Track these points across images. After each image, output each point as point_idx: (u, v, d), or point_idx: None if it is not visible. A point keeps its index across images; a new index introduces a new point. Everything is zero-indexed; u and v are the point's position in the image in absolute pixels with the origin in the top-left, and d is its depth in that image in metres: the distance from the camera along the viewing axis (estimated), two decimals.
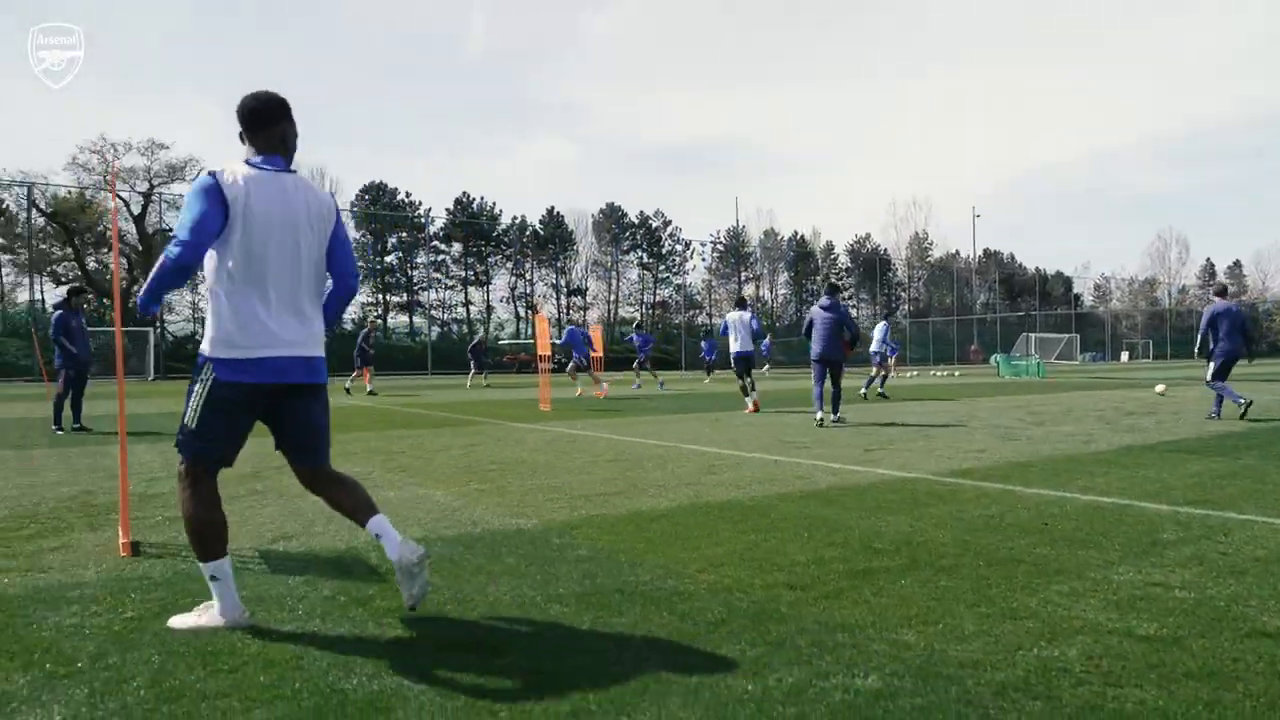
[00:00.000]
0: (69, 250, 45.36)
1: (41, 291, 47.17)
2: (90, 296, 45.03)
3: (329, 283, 3.23)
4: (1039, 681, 2.38)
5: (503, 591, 3.31)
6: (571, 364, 19.94)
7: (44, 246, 45.66)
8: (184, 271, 2.81)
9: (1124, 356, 70.13)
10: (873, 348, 18.44)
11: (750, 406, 13.39)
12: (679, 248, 70.19)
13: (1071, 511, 4.83)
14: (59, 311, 10.66)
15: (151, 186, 44.87)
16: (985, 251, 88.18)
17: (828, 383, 11.33)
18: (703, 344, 32.82)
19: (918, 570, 3.59)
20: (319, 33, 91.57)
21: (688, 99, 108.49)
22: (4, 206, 44.62)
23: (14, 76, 72.76)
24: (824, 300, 11.61)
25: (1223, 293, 12.02)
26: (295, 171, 3.11)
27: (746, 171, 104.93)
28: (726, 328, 13.98)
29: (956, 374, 36.66)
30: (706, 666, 2.51)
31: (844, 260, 79.43)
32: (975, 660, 2.54)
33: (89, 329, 11.28)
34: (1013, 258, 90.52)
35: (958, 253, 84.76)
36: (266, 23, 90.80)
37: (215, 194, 2.83)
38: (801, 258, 76.00)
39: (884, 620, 2.93)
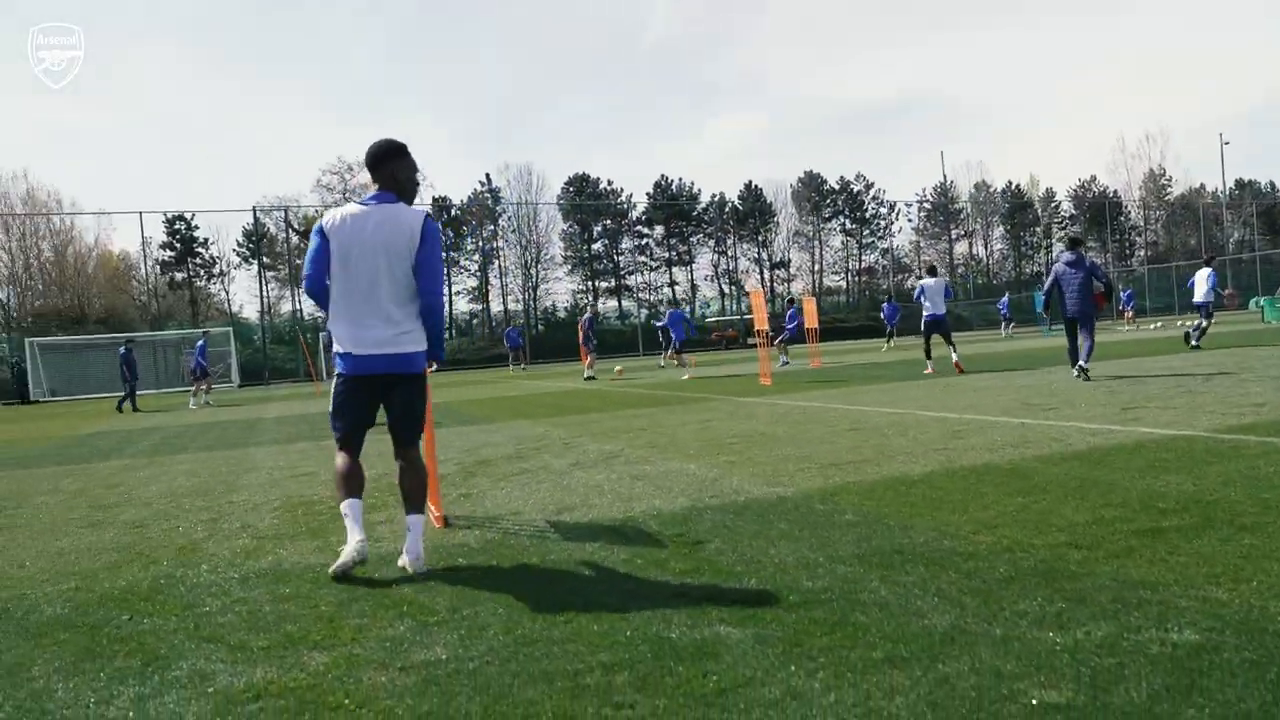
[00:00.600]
0: None
1: (300, 302, 52.78)
2: None
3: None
4: None
5: (784, 553, 3.51)
6: (670, 348, 21.03)
7: (299, 262, 51.07)
8: (313, 295, 3.81)
9: None
10: (1198, 298, 17.16)
11: (935, 368, 14.28)
12: (883, 210, 67.82)
13: None
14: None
15: None
16: (1237, 182, 78.60)
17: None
18: (884, 308, 31.55)
19: (1214, 529, 3.43)
20: (515, 36, 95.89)
21: (881, 55, 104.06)
22: (265, 230, 50.34)
23: (254, 111, 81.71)
24: (1067, 256, 11.01)
25: None
26: (397, 202, 3.71)
27: (951, 124, 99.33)
28: (922, 293, 14.58)
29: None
30: (1008, 620, 2.58)
31: (1067, 207, 73.52)
32: None
33: None
34: (1273, 187, 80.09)
35: (1202, 187, 76.18)
36: (461, 38, 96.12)
37: (319, 233, 3.69)
38: (1018, 209, 71.13)
39: (1187, 578, 2.86)
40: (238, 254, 54.79)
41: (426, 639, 2.78)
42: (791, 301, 25.77)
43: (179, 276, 54.37)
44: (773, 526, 4.00)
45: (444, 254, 3.89)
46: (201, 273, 55.43)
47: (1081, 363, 10.71)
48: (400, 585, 3.45)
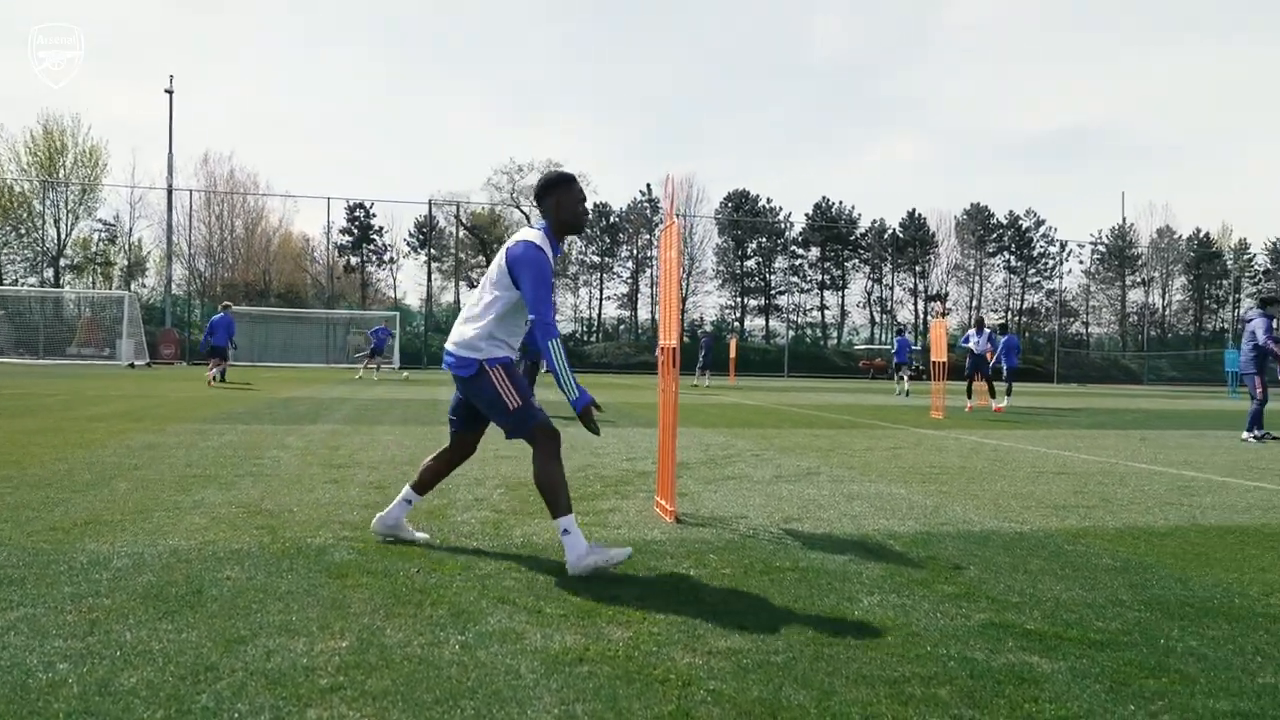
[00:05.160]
0: (481, 258, 52.72)
1: (459, 293, 55.14)
2: None
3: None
4: None
5: (1056, 590, 3.39)
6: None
7: (463, 255, 53.44)
8: None
9: None
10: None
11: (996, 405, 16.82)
12: (1053, 250, 64.60)
13: None
14: None
15: None
16: None
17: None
18: (896, 341, 28.05)
19: None
20: (676, 46, 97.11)
21: (1062, 82, 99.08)
22: (436, 223, 52.93)
23: (440, 103, 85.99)
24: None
25: None
26: (536, 230, 3.78)
27: (1135, 162, 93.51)
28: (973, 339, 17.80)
29: None
30: None
31: (1262, 260, 67.88)
32: None
33: None
34: None
35: None
36: (625, 38, 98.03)
37: None
38: (1205, 259, 66.23)
39: None
40: (408, 243, 57.89)
41: (720, 627, 2.84)
42: (900, 331, 28.17)
43: (353, 260, 57.83)
44: (1028, 562, 3.88)
45: (556, 270, 3.81)
46: (373, 258, 58.80)
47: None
48: (663, 570, 3.55)
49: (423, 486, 4.09)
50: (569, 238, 4.04)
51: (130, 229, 52.86)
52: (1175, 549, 4.23)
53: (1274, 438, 10.83)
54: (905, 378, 22.87)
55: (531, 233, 3.77)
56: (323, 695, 2.22)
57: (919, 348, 40.79)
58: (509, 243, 3.79)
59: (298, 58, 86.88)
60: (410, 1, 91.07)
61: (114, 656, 2.45)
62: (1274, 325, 10.96)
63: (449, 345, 3.86)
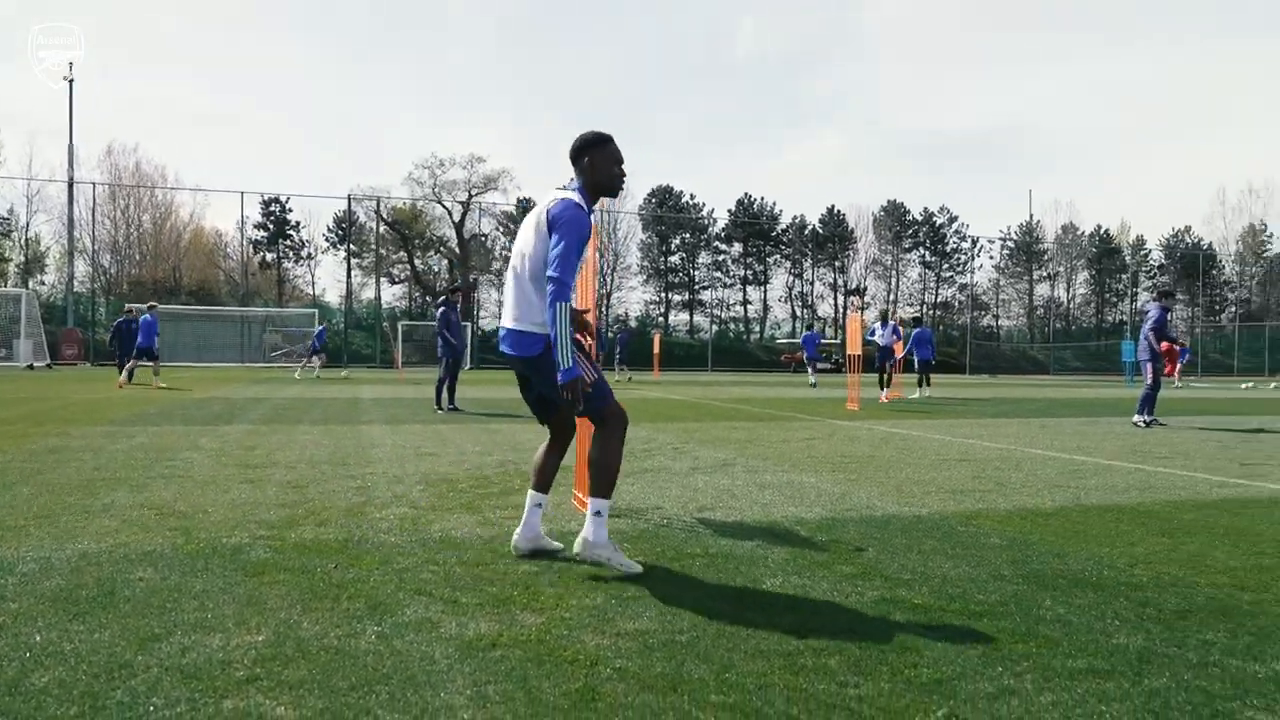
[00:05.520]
0: (403, 254, 51.90)
1: (379, 290, 54.16)
2: (419, 294, 51.15)
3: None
4: None
5: (945, 568, 3.64)
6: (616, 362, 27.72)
7: (384, 251, 52.47)
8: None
9: None
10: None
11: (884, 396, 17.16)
12: (965, 245, 66.83)
13: None
14: (443, 308, 12.43)
15: (470, 196, 50.04)
16: None
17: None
18: (805, 336, 30.54)
19: None
20: (603, 44, 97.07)
21: (973, 84, 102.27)
22: (356, 218, 51.86)
23: (358, 97, 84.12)
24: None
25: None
26: (571, 191, 3.65)
27: (1042, 162, 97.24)
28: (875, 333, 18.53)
29: None
30: (1197, 647, 2.68)
31: (1157, 256, 71.45)
32: None
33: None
34: None
35: None
36: (555, 38, 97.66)
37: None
38: (1105, 254, 69.38)
39: None
40: (327, 239, 56.57)
41: (629, 610, 2.98)
42: (810, 327, 31.48)
43: (269, 256, 56.26)
44: (923, 542, 4.12)
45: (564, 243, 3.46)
46: (291, 254, 57.30)
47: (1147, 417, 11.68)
48: (577, 562, 3.67)
49: (545, 485, 3.86)
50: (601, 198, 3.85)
51: (27, 224, 50.48)
52: (1058, 527, 4.55)
53: (1160, 424, 11.54)
54: (814, 369, 25.18)
55: (570, 193, 3.64)
56: (239, 686, 2.28)
57: (838, 341, 42.39)
58: (547, 203, 3.61)
59: (206, 45, 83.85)
60: None
61: (23, 658, 2.46)
62: (1169, 318, 11.70)
63: (509, 324, 3.66)
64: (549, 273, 3.44)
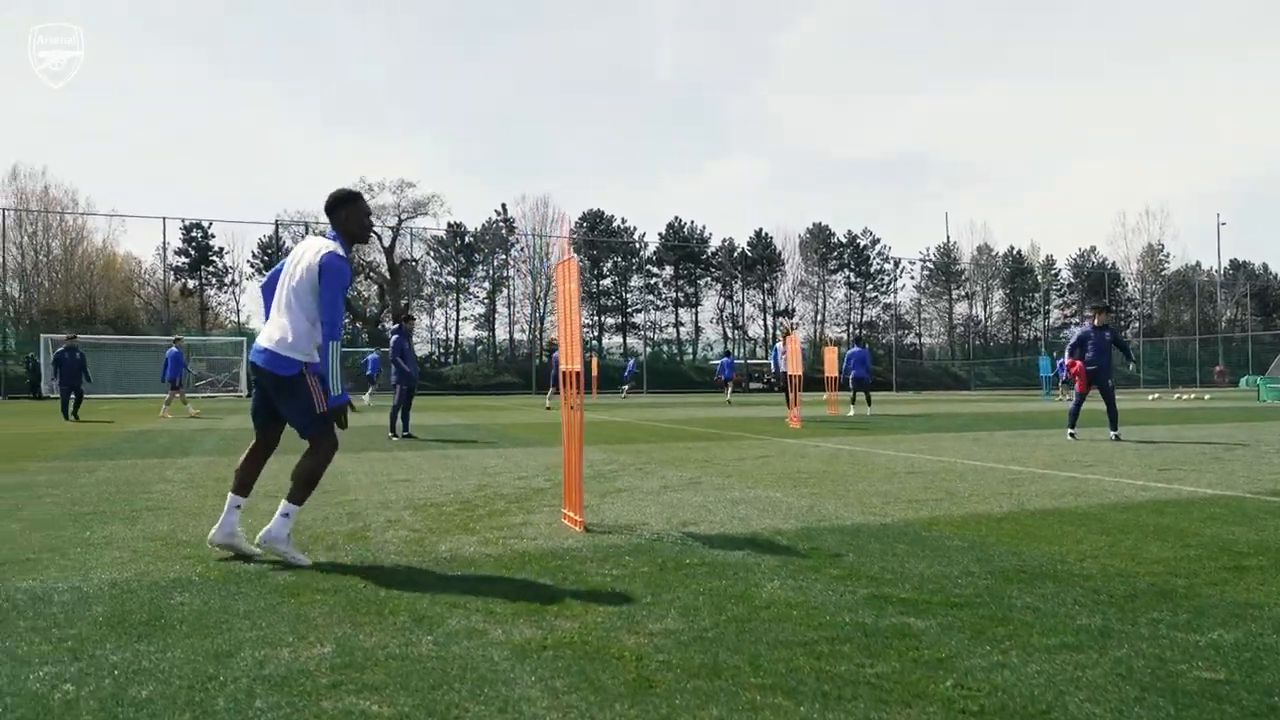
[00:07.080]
0: None
1: None
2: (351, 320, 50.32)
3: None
4: None
5: (920, 568, 4.05)
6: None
7: None
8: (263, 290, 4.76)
9: None
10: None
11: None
12: (888, 266, 69.01)
13: None
14: (396, 335, 12.55)
15: (400, 221, 49.73)
16: (1232, 263, 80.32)
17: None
18: (722, 362, 36.10)
19: None
20: (523, 68, 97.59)
21: (891, 110, 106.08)
22: (283, 243, 50.95)
23: (282, 127, 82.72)
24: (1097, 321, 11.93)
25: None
26: (324, 235, 4.42)
27: (957, 185, 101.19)
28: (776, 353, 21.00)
29: (1207, 397, 33.91)
30: (1147, 624, 3.13)
31: (1066, 275, 74.94)
32: None
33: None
34: (1266, 269, 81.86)
35: (1198, 265, 77.78)
36: (465, 60, 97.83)
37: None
38: (1019, 274, 72.48)
39: None
40: (251, 265, 55.41)
41: (652, 614, 3.30)
42: (727, 353, 37.96)
43: (191, 284, 54.83)
44: (894, 546, 4.54)
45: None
46: (214, 280, 55.94)
47: (1112, 432, 12.06)
48: (588, 573, 3.97)
49: (244, 489, 4.45)
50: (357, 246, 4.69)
51: None
52: (1010, 530, 5.02)
53: (1073, 438, 12.02)
54: (730, 390, 31.69)
55: (334, 244, 4.28)
56: (329, 690, 2.53)
57: (768, 361, 44.67)
58: (318, 249, 4.24)
59: (114, 66, 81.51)
60: (228, 3, 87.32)
61: (112, 675, 2.65)
62: (1095, 334, 12.05)
63: (265, 344, 4.23)
64: (323, 317, 4.20)
